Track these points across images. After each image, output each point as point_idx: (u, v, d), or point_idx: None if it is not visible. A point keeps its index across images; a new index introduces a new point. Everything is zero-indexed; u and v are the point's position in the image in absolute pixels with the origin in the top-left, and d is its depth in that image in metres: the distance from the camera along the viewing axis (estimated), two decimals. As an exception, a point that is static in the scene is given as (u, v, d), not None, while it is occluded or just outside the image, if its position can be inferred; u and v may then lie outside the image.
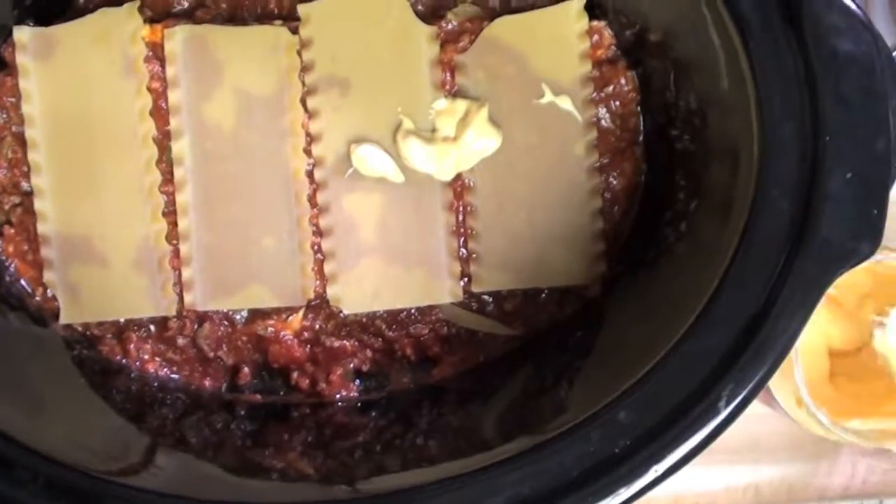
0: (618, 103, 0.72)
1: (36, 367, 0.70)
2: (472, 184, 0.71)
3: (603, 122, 0.72)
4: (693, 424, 0.56)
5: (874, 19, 0.81)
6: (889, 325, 0.72)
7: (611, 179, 0.72)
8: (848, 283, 0.75)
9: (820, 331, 0.77)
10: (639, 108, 0.73)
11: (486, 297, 0.73)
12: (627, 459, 0.56)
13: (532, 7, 0.73)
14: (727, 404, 0.56)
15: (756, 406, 0.78)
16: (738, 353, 0.57)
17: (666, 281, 0.67)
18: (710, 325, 0.58)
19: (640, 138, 0.73)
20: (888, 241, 0.78)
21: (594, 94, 0.71)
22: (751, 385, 0.56)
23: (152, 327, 0.73)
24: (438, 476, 0.59)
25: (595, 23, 0.72)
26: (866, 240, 0.56)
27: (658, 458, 0.56)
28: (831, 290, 0.74)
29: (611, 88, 0.72)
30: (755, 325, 0.57)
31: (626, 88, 0.72)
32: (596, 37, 0.72)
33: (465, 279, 0.72)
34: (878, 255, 0.72)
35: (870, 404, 0.76)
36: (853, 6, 0.57)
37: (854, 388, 0.77)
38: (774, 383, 0.74)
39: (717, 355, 0.57)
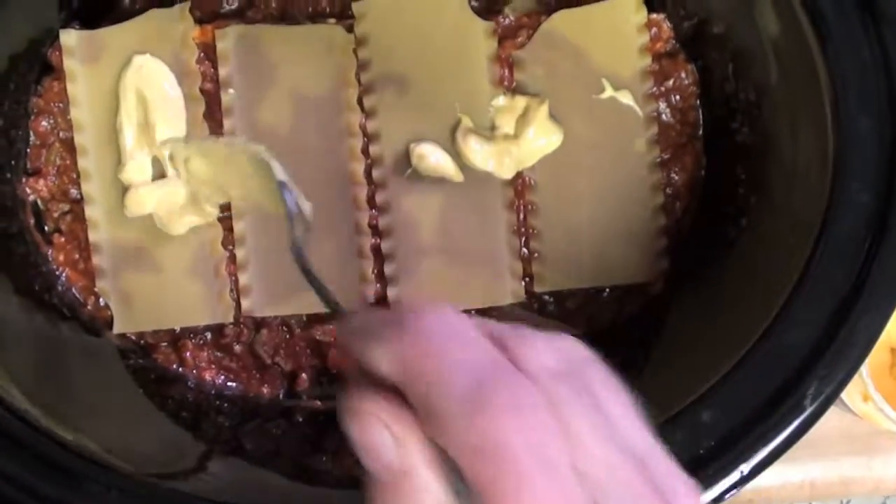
0: (678, 97, 0.71)
1: (90, 378, 0.69)
2: (532, 182, 0.70)
3: (663, 116, 0.71)
4: (778, 424, 0.55)
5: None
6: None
7: (672, 174, 0.71)
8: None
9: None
10: (698, 102, 0.72)
11: (546, 296, 0.72)
12: (713, 460, 0.55)
13: (590, 1, 0.71)
14: (812, 402, 0.55)
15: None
16: (822, 350, 0.56)
17: (732, 278, 0.66)
18: (791, 322, 0.57)
19: (700, 132, 0.72)
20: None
21: (654, 89, 0.70)
22: (836, 382, 0.55)
23: (208, 335, 0.72)
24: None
25: (654, 15, 0.71)
26: (950, 231, 0.56)
27: (744, 458, 0.55)
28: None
29: (671, 82, 0.71)
30: (838, 321, 0.56)
31: (686, 82, 0.71)
32: (654, 30, 0.70)
33: (527, 279, 0.71)
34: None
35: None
36: (932, -15, 0.56)
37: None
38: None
39: (800, 353, 0.56)
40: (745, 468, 0.55)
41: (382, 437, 0.39)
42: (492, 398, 0.36)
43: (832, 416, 0.78)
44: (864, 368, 0.71)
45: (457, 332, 0.39)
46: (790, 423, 0.55)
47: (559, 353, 0.39)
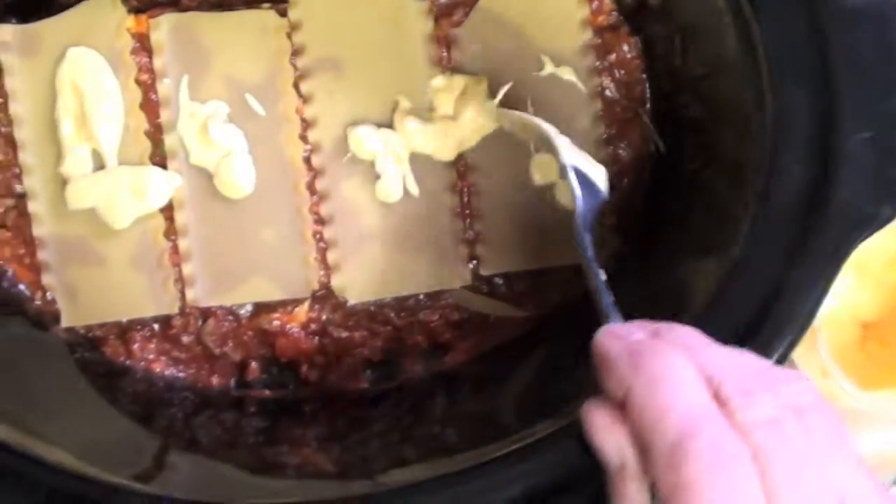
0: (622, 71, 0.69)
1: (39, 373, 0.68)
2: (475, 163, 0.69)
3: (607, 91, 0.69)
4: (712, 405, 0.54)
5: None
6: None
7: (619, 151, 0.70)
8: (874, 247, 0.73)
9: (847, 298, 0.75)
10: (644, 76, 0.70)
11: (496, 279, 0.71)
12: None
13: (529, -25, 0.70)
14: (746, 382, 0.54)
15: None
16: (757, 328, 0.54)
17: (681, 254, 0.65)
18: (726, 300, 0.56)
19: (647, 107, 0.70)
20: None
21: (597, 63, 0.69)
22: (773, 360, 0.54)
23: (156, 326, 0.71)
24: (458, 466, 0.57)
25: (594, -13, 0.69)
26: (887, 203, 0.54)
27: (677, 442, 0.54)
28: (857, 255, 0.72)
29: (614, 56, 0.69)
30: (773, 298, 0.54)
31: (629, 55, 0.69)
32: (595, 2, 0.69)
33: (474, 262, 0.70)
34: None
35: (896, 371, 0.74)
36: (861, -44, 0.54)
37: (885, 354, 0.75)
38: (799, 356, 0.72)
39: (734, 332, 0.54)
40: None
41: (609, 444, 0.46)
42: (695, 450, 0.40)
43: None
44: (824, 345, 0.70)
45: (677, 379, 0.44)
46: (721, 405, 0.54)
47: (781, 399, 0.43)
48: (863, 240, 0.54)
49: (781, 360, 0.54)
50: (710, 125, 0.66)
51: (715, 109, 0.65)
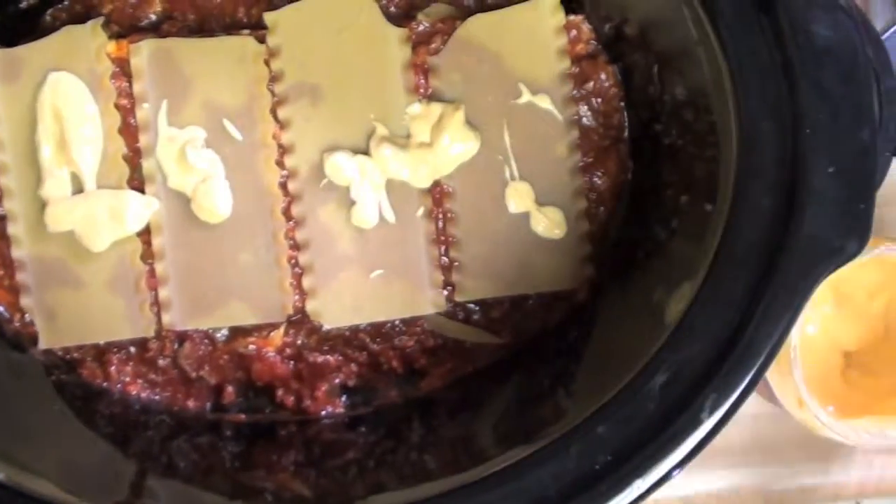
0: (599, 100, 0.70)
1: (16, 394, 0.69)
2: (450, 190, 0.69)
3: (584, 119, 0.70)
4: (676, 436, 0.54)
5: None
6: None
7: (595, 179, 0.70)
8: (856, 278, 0.73)
9: (828, 326, 0.74)
10: (622, 104, 0.70)
11: (472, 305, 0.71)
12: (608, 475, 0.54)
13: (508, 4, 0.70)
14: (710, 413, 0.54)
15: (765, 406, 0.76)
16: (721, 360, 0.54)
17: (655, 282, 0.65)
18: (691, 331, 0.56)
19: (625, 135, 0.71)
20: (887, 230, 0.76)
21: (574, 92, 0.69)
22: (735, 393, 0.54)
23: (132, 349, 0.71)
24: (435, 491, 0.57)
25: (572, 17, 0.69)
26: (853, 237, 0.54)
27: (640, 473, 0.54)
28: (838, 285, 0.72)
29: (591, 85, 0.69)
30: (738, 330, 0.54)
31: (606, 84, 0.69)
32: (574, 32, 0.69)
33: (449, 288, 0.70)
34: (884, 248, 0.70)
35: (881, 398, 0.74)
36: (829, -11, 0.54)
37: (866, 383, 0.75)
38: (777, 384, 0.72)
39: (699, 364, 0.55)
40: (643, 483, 0.54)
41: None
42: None
43: (788, 422, 0.77)
44: (799, 374, 0.70)
45: None
46: (686, 436, 0.54)
47: None
48: (829, 273, 0.54)
49: (749, 389, 0.54)
50: (685, 153, 0.66)
51: (689, 138, 0.65)
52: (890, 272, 0.74)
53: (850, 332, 0.75)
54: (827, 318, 0.75)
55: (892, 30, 0.69)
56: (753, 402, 0.69)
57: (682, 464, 0.54)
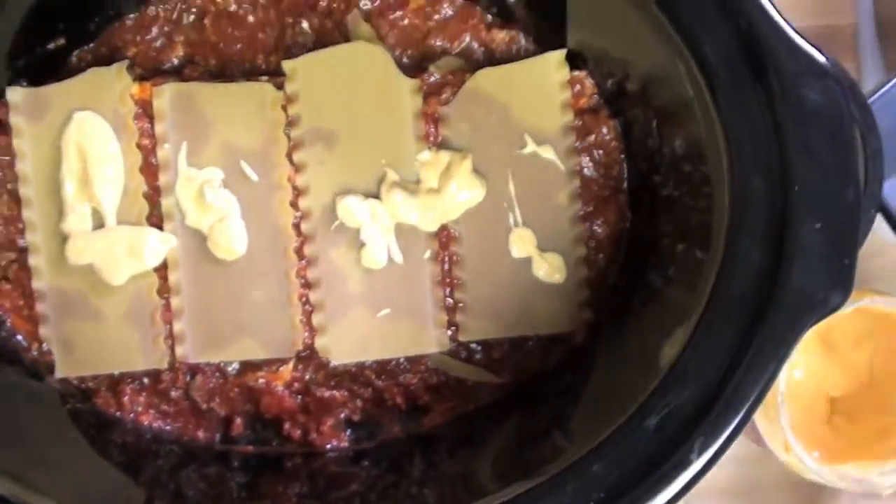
0: (601, 152, 0.72)
1: (32, 421, 0.71)
2: (457, 234, 0.72)
3: (586, 170, 0.72)
4: (665, 477, 0.57)
5: (861, 55, 0.82)
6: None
7: (595, 227, 0.73)
8: (842, 327, 0.76)
9: (815, 373, 0.77)
10: (622, 156, 0.73)
11: (474, 345, 0.73)
12: (602, 513, 0.57)
13: (515, 58, 0.73)
14: (699, 455, 0.56)
15: (752, 448, 0.78)
16: (710, 404, 0.57)
17: (650, 328, 0.68)
18: (682, 376, 0.58)
19: (625, 186, 0.73)
20: (870, 282, 0.79)
21: (577, 144, 0.72)
22: (722, 437, 0.57)
23: (146, 380, 0.74)
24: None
25: (576, 73, 0.72)
26: (837, 290, 0.57)
27: (632, 511, 0.56)
28: (825, 333, 0.75)
29: (593, 137, 0.72)
30: (727, 376, 0.57)
31: (608, 137, 0.72)
32: (577, 87, 0.72)
33: (453, 328, 0.72)
34: (867, 300, 0.72)
35: (865, 445, 0.76)
36: (818, 56, 0.57)
37: (852, 429, 0.77)
38: (764, 428, 0.74)
39: (689, 407, 0.57)
40: (635, 520, 0.57)
41: None
42: None
43: (775, 464, 0.79)
44: (785, 419, 0.72)
45: None
46: (675, 476, 0.56)
47: None
48: (814, 324, 0.57)
49: (736, 432, 0.57)
50: (681, 204, 0.68)
51: (686, 190, 0.68)
52: (874, 322, 0.76)
53: (836, 379, 0.78)
54: (814, 365, 0.77)
55: (880, 91, 0.71)
56: (740, 444, 0.71)
57: (671, 503, 0.57)
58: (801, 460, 0.72)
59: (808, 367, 0.77)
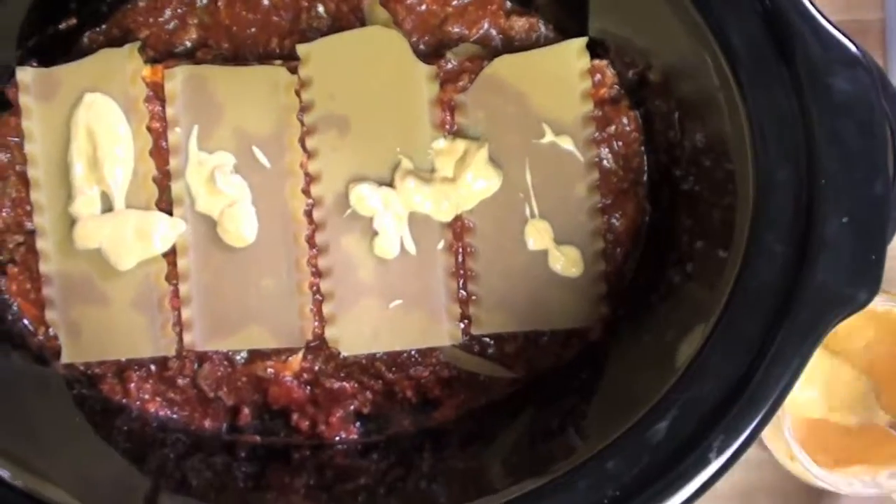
0: (620, 143, 0.71)
1: (38, 407, 0.70)
2: (471, 224, 0.70)
3: (605, 162, 0.71)
4: (683, 475, 0.55)
5: (890, 49, 0.80)
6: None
7: (613, 220, 0.71)
8: (852, 327, 0.74)
9: (820, 375, 0.75)
10: (642, 149, 0.72)
11: (487, 339, 0.72)
12: (616, 510, 0.55)
13: (534, 46, 0.72)
14: (718, 455, 0.55)
15: (754, 452, 0.76)
16: (731, 402, 0.55)
17: (668, 324, 0.66)
18: (701, 372, 0.57)
19: (644, 178, 0.72)
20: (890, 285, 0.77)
21: (596, 134, 0.70)
22: (743, 436, 0.55)
23: (153, 367, 0.73)
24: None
25: (597, 62, 0.71)
26: (864, 286, 0.55)
27: (648, 510, 0.55)
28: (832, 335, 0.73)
29: (613, 128, 0.71)
30: (748, 373, 0.55)
31: (628, 128, 0.71)
32: (598, 76, 0.71)
33: (465, 321, 0.71)
34: (883, 301, 0.70)
35: (875, 444, 0.74)
36: (849, 44, 0.56)
37: (860, 430, 0.75)
38: (767, 435, 0.73)
39: (708, 404, 0.56)
40: (648, 520, 0.55)
41: None
42: None
43: (772, 471, 0.77)
44: (787, 427, 0.71)
45: None
46: (694, 475, 0.55)
47: None
48: (839, 321, 0.55)
49: (757, 431, 0.55)
50: (702, 199, 0.67)
51: (707, 184, 0.66)
52: (875, 320, 0.75)
53: (845, 382, 0.76)
54: (817, 366, 0.75)
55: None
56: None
57: (688, 503, 0.55)
58: (806, 468, 0.71)
59: (811, 368, 0.75)
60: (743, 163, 0.59)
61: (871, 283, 0.55)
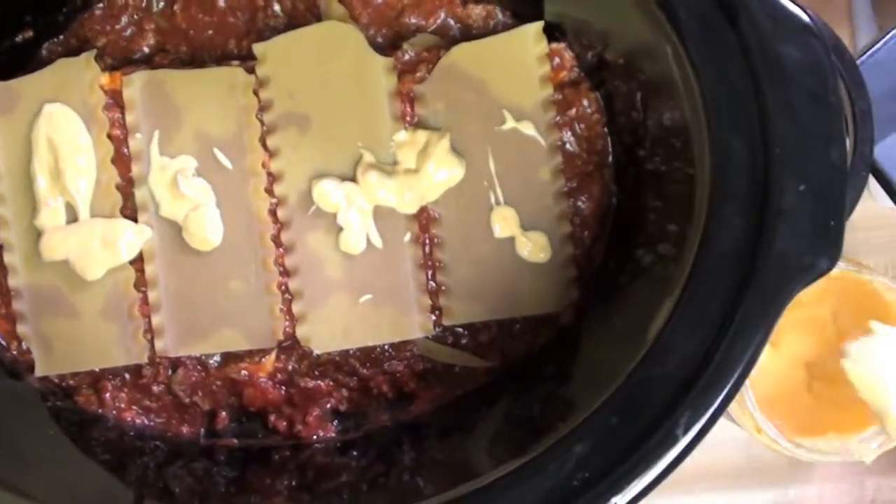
0: (583, 126, 0.71)
1: (13, 422, 0.70)
2: (437, 215, 0.70)
3: (568, 145, 0.70)
4: (651, 453, 0.55)
5: (855, 21, 0.79)
6: (853, 354, 0.70)
7: (579, 203, 0.71)
8: (819, 293, 0.73)
9: (792, 341, 0.74)
10: (605, 130, 0.71)
11: (460, 329, 0.72)
12: (585, 492, 0.55)
13: (493, 34, 0.71)
14: (685, 432, 0.54)
15: (735, 430, 0.76)
16: (696, 378, 0.55)
17: (637, 305, 0.66)
18: (666, 349, 0.56)
19: (609, 160, 0.71)
20: (857, 253, 0.77)
21: (557, 118, 0.70)
22: (710, 411, 0.55)
23: (127, 375, 0.72)
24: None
25: (555, 45, 0.70)
26: (824, 253, 0.54)
27: (617, 490, 0.54)
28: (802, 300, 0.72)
29: (574, 111, 0.70)
30: (712, 347, 0.55)
31: (589, 110, 0.70)
32: (556, 59, 0.70)
33: (437, 313, 0.71)
34: (848, 266, 0.70)
35: (846, 408, 0.73)
36: (798, 11, 0.55)
37: (832, 392, 0.74)
38: (735, 411, 0.72)
39: (673, 381, 0.55)
40: (620, 500, 0.55)
41: None
42: None
43: (745, 445, 0.77)
44: (750, 401, 0.70)
45: None
46: (663, 453, 0.54)
47: None
48: (801, 289, 0.55)
49: (720, 410, 0.55)
50: (667, 178, 0.66)
51: (671, 163, 0.66)
52: (850, 292, 0.74)
53: (813, 348, 0.75)
54: (791, 333, 0.75)
55: (869, 51, 0.69)
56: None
57: (657, 481, 0.55)
58: (773, 440, 0.70)
59: (776, 334, 0.74)
60: (700, 137, 0.58)
61: (831, 250, 0.54)
